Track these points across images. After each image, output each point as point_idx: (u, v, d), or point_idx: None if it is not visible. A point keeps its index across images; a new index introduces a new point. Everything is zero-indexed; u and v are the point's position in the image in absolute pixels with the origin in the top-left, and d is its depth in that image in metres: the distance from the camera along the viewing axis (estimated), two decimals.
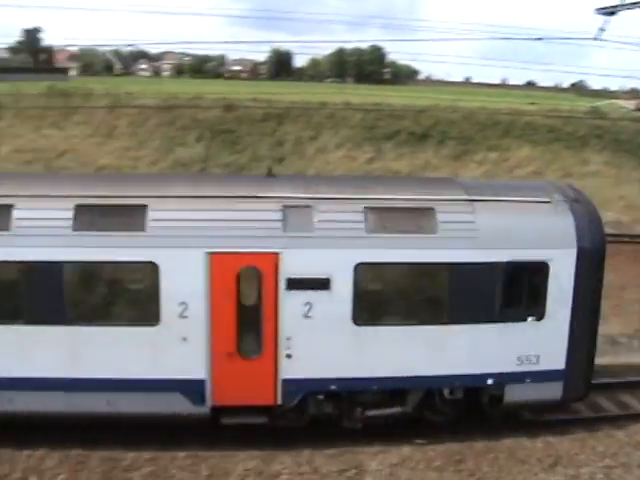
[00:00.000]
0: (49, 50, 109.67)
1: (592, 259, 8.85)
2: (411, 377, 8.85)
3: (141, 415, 8.79)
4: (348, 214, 8.60)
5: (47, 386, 8.12)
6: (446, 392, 9.26)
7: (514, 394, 9.09)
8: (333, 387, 8.90)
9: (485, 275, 8.58)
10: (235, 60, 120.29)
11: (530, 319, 8.85)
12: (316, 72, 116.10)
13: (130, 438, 9.07)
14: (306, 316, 8.60)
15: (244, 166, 25.38)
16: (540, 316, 8.91)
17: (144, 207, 8.27)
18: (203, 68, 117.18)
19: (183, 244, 8.17)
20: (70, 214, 8.07)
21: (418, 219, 8.68)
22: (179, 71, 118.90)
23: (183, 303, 8.32)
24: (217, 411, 8.99)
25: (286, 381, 8.82)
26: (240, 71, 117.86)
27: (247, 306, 8.61)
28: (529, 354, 8.91)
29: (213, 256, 8.29)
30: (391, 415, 9.37)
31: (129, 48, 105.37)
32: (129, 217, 8.21)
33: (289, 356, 8.77)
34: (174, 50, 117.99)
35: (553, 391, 9.18)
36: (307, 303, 8.55)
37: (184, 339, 8.49)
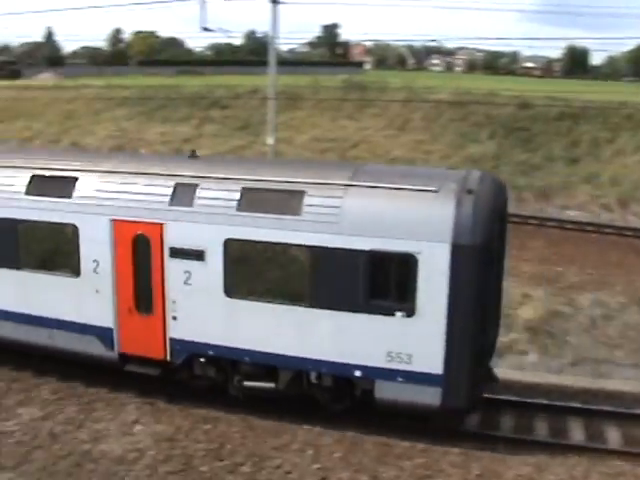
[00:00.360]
0: (345, 45, 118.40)
1: (473, 256, 7.74)
2: (279, 355, 8.95)
3: (70, 352, 10.33)
4: (225, 192, 9.06)
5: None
6: (313, 376, 9.12)
7: (385, 391, 8.62)
8: (211, 352, 9.54)
9: (348, 262, 8.24)
10: (528, 57, 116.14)
11: (399, 314, 8.27)
12: (612, 70, 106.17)
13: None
14: (186, 283, 9.40)
15: (537, 165, 24.98)
16: (410, 312, 8.28)
17: (75, 179, 10.06)
18: (495, 64, 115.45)
19: (96, 211, 9.75)
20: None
21: (286, 201, 8.69)
22: (471, 67, 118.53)
23: (95, 260, 9.85)
24: (124, 358, 10.25)
25: (173, 340, 9.73)
26: (533, 68, 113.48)
27: (142, 269, 9.71)
28: (400, 351, 8.34)
29: (115, 222, 9.71)
30: (266, 391, 9.49)
31: (428, 44, 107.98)
32: (61, 188, 10.03)
33: (175, 318, 9.68)
34: (467, 46, 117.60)
35: (430, 397, 8.40)
36: (187, 271, 9.37)
37: (97, 291, 9.95)
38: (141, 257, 9.75)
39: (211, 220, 9.22)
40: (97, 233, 9.89)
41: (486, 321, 8.61)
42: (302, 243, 8.65)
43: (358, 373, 8.79)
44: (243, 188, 9.18)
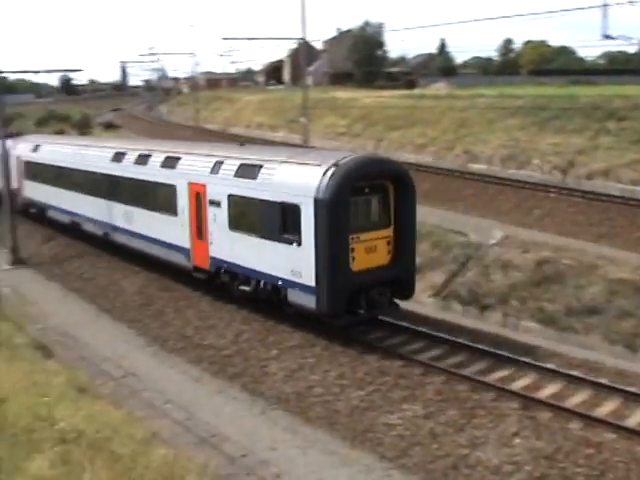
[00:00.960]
0: None
1: (324, 207, 12.56)
2: (250, 269, 14.82)
3: (171, 262, 17.66)
4: (231, 166, 15.26)
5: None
6: (261, 283, 14.74)
7: (291, 297, 13.74)
8: (225, 266, 15.76)
9: (274, 210, 13.75)
10: None
11: (295, 244, 13.29)
12: None
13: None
14: (214, 221, 15.77)
15: None
16: (299, 242, 13.25)
17: (179, 158, 17.26)
18: None
19: (183, 178, 16.73)
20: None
21: (253, 171, 14.56)
22: None
23: (183, 207, 16.78)
24: (195, 268, 16.81)
25: (211, 257, 16.17)
26: None
27: (200, 212, 16.18)
28: (296, 269, 13.33)
29: (190, 184, 16.48)
30: (247, 293, 15.27)
31: None
32: (171, 163, 17.35)
33: (211, 243, 15.98)
34: None
35: (310, 302, 13.11)
36: (214, 214, 15.70)
37: (182, 225, 16.87)
38: (199, 205, 16.17)
39: (224, 183, 15.22)
40: (183, 191, 16.70)
41: (344, 252, 12.95)
42: (255, 197, 14.35)
43: (280, 282, 13.98)
44: (240, 164, 15.02)
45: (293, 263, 13.47)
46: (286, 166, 13.82)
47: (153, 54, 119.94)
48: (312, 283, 13.00)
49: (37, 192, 26.82)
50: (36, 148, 27.56)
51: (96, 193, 21.80)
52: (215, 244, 16.02)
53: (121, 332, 16.14)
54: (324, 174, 12.87)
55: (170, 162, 17.65)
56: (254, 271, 14.83)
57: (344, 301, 12.99)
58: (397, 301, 14.08)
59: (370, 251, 13.45)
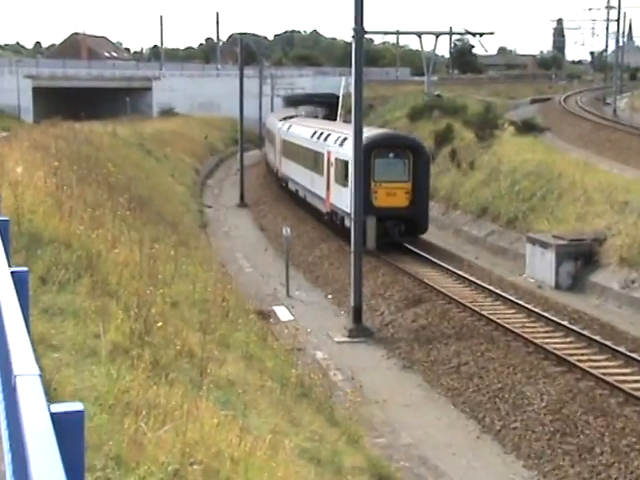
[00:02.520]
0: None
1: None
2: (337, 207, 33.62)
3: (315, 207, 39.21)
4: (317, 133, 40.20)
5: None
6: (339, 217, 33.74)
7: (347, 223, 29.83)
8: None
9: (343, 166, 31.66)
10: None
11: (347, 187, 28.98)
12: None
13: None
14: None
15: None
16: (347, 186, 29.24)
17: (329, 134, 37.70)
18: None
19: (327, 148, 36.41)
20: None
21: (343, 142, 33.29)
22: None
23: (326, 169, 36.55)
24: (327, 213, 36.12)
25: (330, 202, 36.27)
26: None
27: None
28: (348, 205, 27.64)
29: (327, 152, 35.96)
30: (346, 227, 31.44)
31: None
32: (324, 137, 38.59)
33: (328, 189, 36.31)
34: None
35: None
36: (331, 171, 35.54)
37: (326, 182, 35.91)
38: (328, 167, 35.14)
39: (334, 150, 34.47)
40: (325, 157, 35.58)
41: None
42: (340, 158, 32.63)
43: (344, 216, 31.87)
44: (339, 137, 34.44)
45: (347, 200, 28.20)
46: (350, 138, 26.30)
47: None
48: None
49: (289, 169, 46.89)
50: (289, 128, 47.53)
51: (304, 164, 41.41)
52: (332, 194, 34.04)
53: (515, 474, 14.68)
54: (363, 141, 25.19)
55: (323, 137, 37.34)
56: (340, 209, 32.09)
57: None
58: None
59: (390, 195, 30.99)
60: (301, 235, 36.23)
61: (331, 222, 35.39)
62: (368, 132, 29.83)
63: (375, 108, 76.05)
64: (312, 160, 38.92)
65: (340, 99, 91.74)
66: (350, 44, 24.60)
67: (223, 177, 63.45)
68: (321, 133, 38.59)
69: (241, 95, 50.22)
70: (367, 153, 28.74)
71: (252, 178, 58.88)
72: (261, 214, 45.40)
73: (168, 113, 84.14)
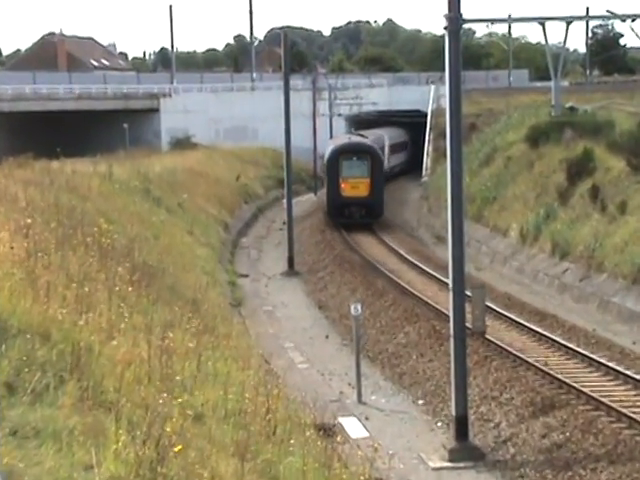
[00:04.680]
0: None
1: (326, 164, 66.48)
2: None
3: None
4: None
5: None
6: None
7: None
8: None
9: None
10: None
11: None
12: None
13: None
14: None
15: None
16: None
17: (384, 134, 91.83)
18: None
19: (384, 141, 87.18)
20: None
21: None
22: None
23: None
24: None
25: None
26: None
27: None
28: None
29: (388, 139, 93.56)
30: None
31: None
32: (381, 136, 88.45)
33: None
34: None
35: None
36: None
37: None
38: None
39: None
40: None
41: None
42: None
43: None
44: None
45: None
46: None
47: None
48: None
49: None
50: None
51: None
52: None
53: None
54: (331, 148, 66.87)
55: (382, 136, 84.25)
56: None
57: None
58: None
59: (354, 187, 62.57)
60: (377, 314, 36.31)
61: None
62: (334, 142, 69.98)
63: (479, 129, 76.36)
64: None
65: (429, 118, 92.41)
66: (442, 38, 24.88)
67: (263, 234, 64.41)
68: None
69: (287, 116, 50.91)
70: (336, 157, 63.74)
71: (305, 234, 59.49)
72: (319, 285, 45.82)
73: (183, 144, 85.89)
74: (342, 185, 62.48)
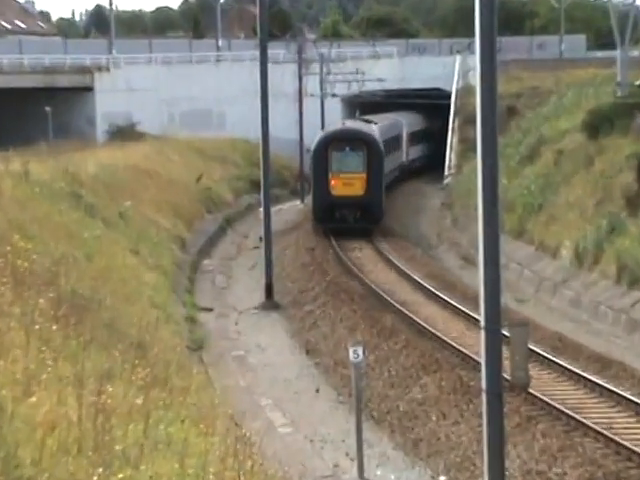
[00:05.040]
0: None
1: (312, 157, 70.47)
2: None
3: None
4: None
5: None
6: None
7: None
8: None
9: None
10: None
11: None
12: None
13: None
14: None
15: None
16: None
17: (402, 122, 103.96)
18: None
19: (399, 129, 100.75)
20: None
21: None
22: None
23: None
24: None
25: None
26: None
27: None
28: None
29: (406, 129, 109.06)
30: None
31: None
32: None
33: None
34: None
35: None
36: None
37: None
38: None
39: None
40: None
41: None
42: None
43: None
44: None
45: None
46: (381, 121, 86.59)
47: None
48: None
49: None
50: None
51: None
52: None
53: None
54: (319, 136, 71.69)
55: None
56: None
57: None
58: None
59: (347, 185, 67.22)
60: (385, 361, 36.35)
61: None
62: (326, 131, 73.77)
63: (520, 113, 76.53)
64: None
65: (453, 99, 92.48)
66: None
67: (233, 254, 64.60)
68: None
69: (264, 97, 50.75)
70: (324, 147, 66.84)
71: (288, 254, 59.76)
72: (306, 322, 45.66)
73: (126, 134, 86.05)
74: (332, 182, 65.52)
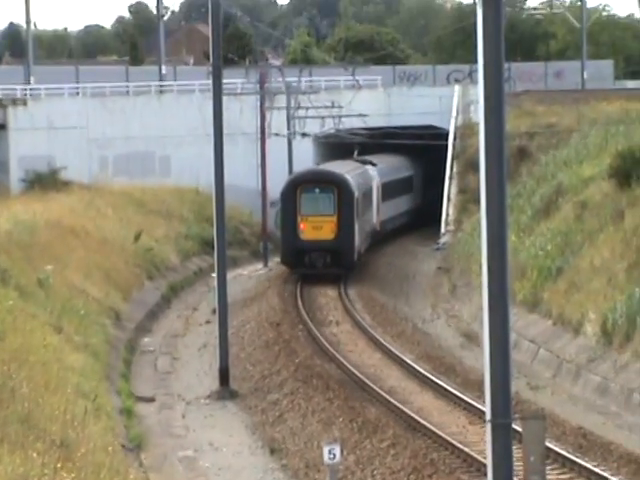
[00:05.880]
0: None
1: (282, 199, 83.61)
2: None
3: None
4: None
5: None
6: None
7: None
8: None
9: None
10: None
11: None
12: None
13: None
14: None
15: None
16: None
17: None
18: None
19: (403, 174, 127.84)
20: None
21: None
22: None
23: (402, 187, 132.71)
24: None
25: None
26: None
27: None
28: None
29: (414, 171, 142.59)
30: None
31: None
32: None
33: None
34: None
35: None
36: None
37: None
38: None
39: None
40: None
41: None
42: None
43: None
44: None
45: None
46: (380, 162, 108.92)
47: None
48: None
49: None
50: None
51: None
52: None
53: None
54: (288, 179, 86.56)
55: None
56: None
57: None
58: None
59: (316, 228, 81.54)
60: (368, 462, 36.33)
61: None
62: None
63: (533, 157, 77.16)
64: None
65: (450, 139, 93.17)
66: (471, 7, 25.23)
67: (179, 330, 64.82)
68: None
69: (218, 137, 50.73)
70: (293, 188, 77.04)
71: (249, 330, 59.98)
72: (270, 415, 45.70)
73: (47, 183, 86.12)
74: (301, 225, 76.73)
